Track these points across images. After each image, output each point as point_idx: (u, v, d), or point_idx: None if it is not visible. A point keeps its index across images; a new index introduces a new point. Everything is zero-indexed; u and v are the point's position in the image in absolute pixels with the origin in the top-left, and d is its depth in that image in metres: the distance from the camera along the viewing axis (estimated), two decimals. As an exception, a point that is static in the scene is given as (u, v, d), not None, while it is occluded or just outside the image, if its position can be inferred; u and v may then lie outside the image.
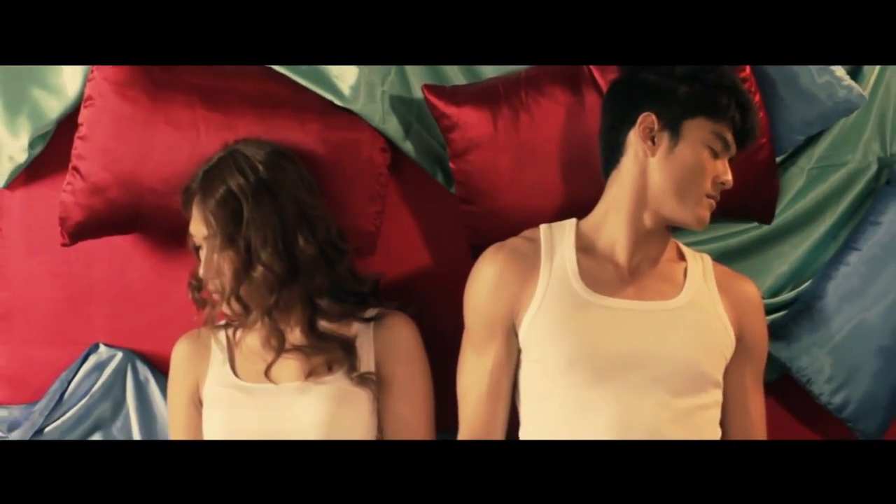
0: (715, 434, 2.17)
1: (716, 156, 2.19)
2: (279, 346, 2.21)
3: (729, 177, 2.20)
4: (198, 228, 2.26)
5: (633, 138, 2.21)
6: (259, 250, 2.18)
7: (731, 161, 2.22)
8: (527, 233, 2.25)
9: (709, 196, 2.19)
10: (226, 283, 2.23)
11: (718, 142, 2.18)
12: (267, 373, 2.20)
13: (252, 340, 2.32)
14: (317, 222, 2.22)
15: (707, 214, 2.20)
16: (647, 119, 2.18)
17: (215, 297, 2.27)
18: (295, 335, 2.23)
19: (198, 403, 2.33)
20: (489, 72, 2.52)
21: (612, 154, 2.21)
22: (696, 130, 2.18)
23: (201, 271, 2.28)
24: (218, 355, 2.33)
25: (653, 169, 2.19)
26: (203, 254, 2.27)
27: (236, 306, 2.23)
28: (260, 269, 2.17)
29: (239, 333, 2.35)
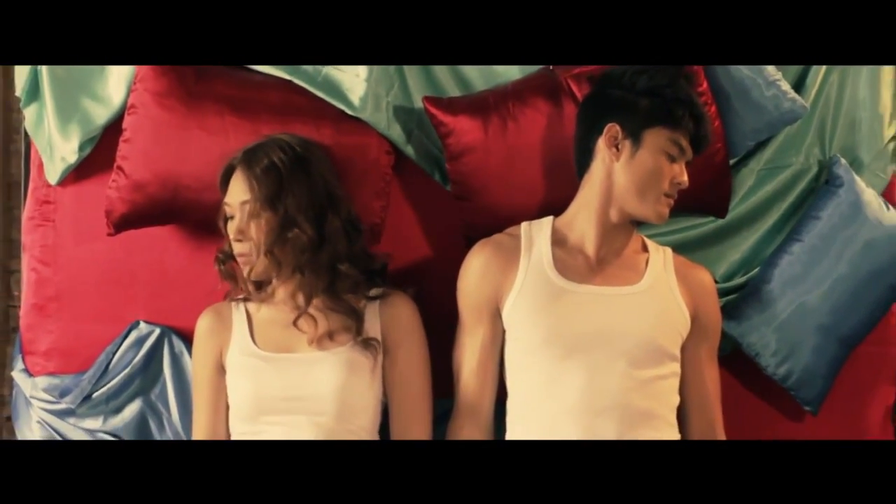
0: (673, 400, 2.32)
1: (673, 160, 2.32)
2: (306, 301, 2.32)
3: (685, 178, 2.33)
4: (236, 195, 2.35)
5: (601, 146, 2.34)
6: (295, 215, 2.30)
7: (688, 164, 2.34)
8: (510, 229, 2.40)
9: (667, 195, 2.32)
10: (260, 241, 2.31)
11: (675, 148, 2.32)
12: (295, 322, 2.31)
13: (268, 313, 2.41)
14: (340, 201, 2.35)
15: (666, 211, 2.34)
16: (612, 129, 2.32)
17: (241, 260, 2.35)
18: (317, 297, 2.35)
19: (221, 370, 2.41)
20: (481, 84, 2.60)
21: (583, 159, 2.36)
22: (655, 138, 2.32)
23: (233, 234, 2.35)
24: (239, 327, 2.41)
25: (617, 172, 2.33)
26: (236, 220, 2.35)
27: (266, 262, 2.31)
28: (295, 231, 2.30)
29: (255, 307, 2.43)
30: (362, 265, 2.37)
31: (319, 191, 2.35)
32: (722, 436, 2.42)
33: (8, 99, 3.26)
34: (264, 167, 2.34)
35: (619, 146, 2.33)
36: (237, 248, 2.36)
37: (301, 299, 2.35)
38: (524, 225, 2.40)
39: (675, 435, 2.32)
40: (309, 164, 2.36)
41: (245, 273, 2.36)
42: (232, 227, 2.37)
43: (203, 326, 2.43)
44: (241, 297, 2.42)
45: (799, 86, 2.63)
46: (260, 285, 2.40)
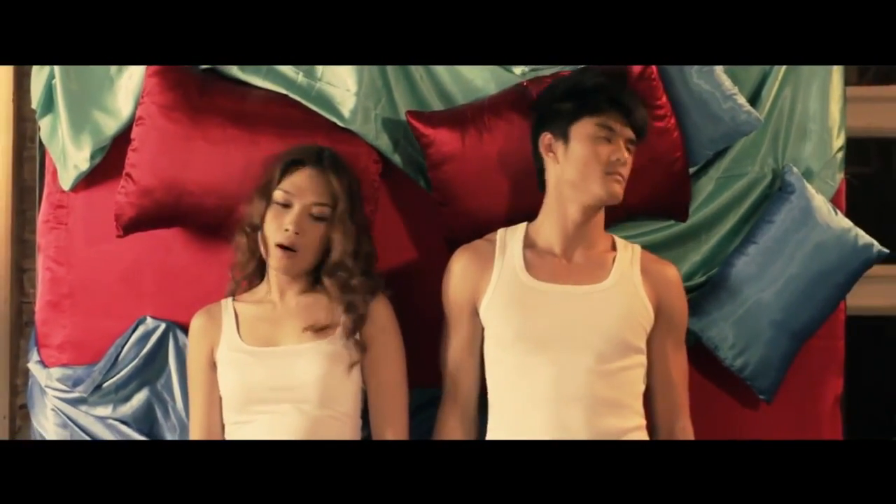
0: (638, 388, 2.43)
1: (607, 141, 2.40)
2: (295, 296, 2.45)
3: (623, 154, 2.40)
4: (308, 193, 2.40)
5: (542, 155, 2.48)
6: (362, 234, 2.45)
7: (633, 145, 2.43)
8: (488, 235, 2.52)
9: (609, 173, 2.39)
10: (314, 243, 2.39)
11: (604, 130, 2.40)
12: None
13: (254, 310, 2.48)
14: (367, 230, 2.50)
15: (615, 187, 2.40)
16: (545, 138, 2.46)
17: (285, 254, 2.37)
18: (307, 294, 2.45)
19: (213, 366, 2.48)
20: (461, 98, 2.67)
21: (539, 173, 2.49)
22: (581, 129, 2.41)
23: (293, 226, 2.38)
24: (228, 325, 2.48)
25: (561, 171, 2.43)
26: (296, 212, 2.39)
27: (311, 262, 2.40)
28: (365, 248, 2.45)
29: (243, 306, 2.49)
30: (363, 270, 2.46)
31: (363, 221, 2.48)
32: (687, 419, 2.51)
33: (21, 109, 3.33)
34: (347, 183, 2.44)
35: (554, 149, 2.44)
36: (289, 238, 2.39)
37: (291, 296, 2.45)
38: (500, 231, 2.52)
39: (640, 421, 2.43)
40: (360, 186, 2.49)
41: (276, 262, 2.41)
42: (291, 218, 2.39)
43: (196, 327, 2.51)
44: (229, 298, 2.50)
45: (754, 99, 2.70)
46: (261, 275, 2.49)
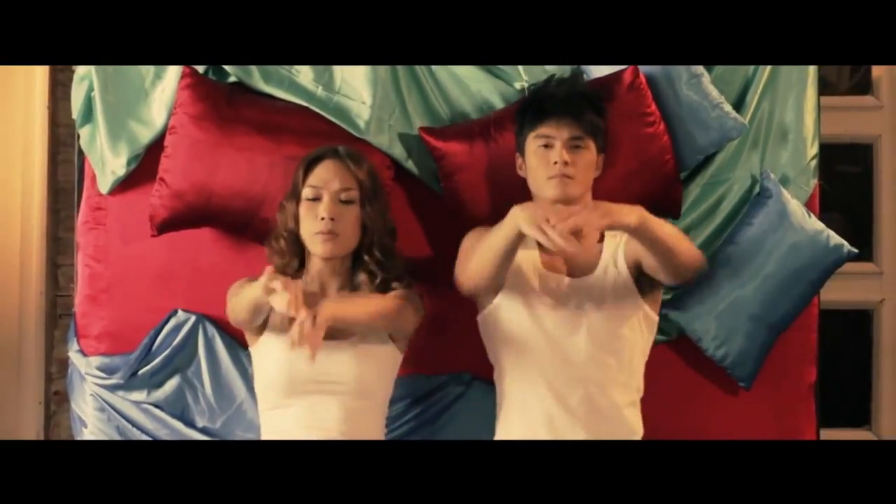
0: (635, 366, 2.49)
1: (547, 147, 2.48)
2: (337, 289, 2.49)
3: (558, 156, 2.46)
4: (333, 183, 2.46)
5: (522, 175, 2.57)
6: (382, 216, 2.51)
7: (584, 139, 2.47)
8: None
9: (551, 177, 2.47)
10: (351, 225, 2.45)
11: (541, 139, 2.49)
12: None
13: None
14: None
15: (561, 187, 2.45)
16: (518, 160, 2.59)
17: (324, 237, 2.43)
18: (346, 289, 2.51)
19: (259, 311, 2.40)
20: (468, 108, 2.76)
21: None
22: (529, 143, 2.53)
23: (328, 213, 2.44)
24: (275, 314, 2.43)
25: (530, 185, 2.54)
26: (326, 202, 2.45)
27: (350, 243, 2.44)
28: (390, 227, 2.51)
29: None
30: (390, 268, 2.54)
31: (378, 198, 2.54)
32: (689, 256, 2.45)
33: (55, 116, 3.47)
34: (366, 168, 2.51)
35: (522, 168, 2.58)
36: (326, 225, 2.45)
37: (331, 292, 2.50)
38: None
39: (635, 397, 2.53)
40: (371, 172, 2.55)
41: (320, 249, 2.46)
42: (324, 207, 2.46)
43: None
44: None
45: (739, 106, 2.79)
46: (300, 265, 2.52)
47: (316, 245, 2.50)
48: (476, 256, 2.44)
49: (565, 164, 2.48)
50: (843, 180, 3.65)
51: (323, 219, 2.48)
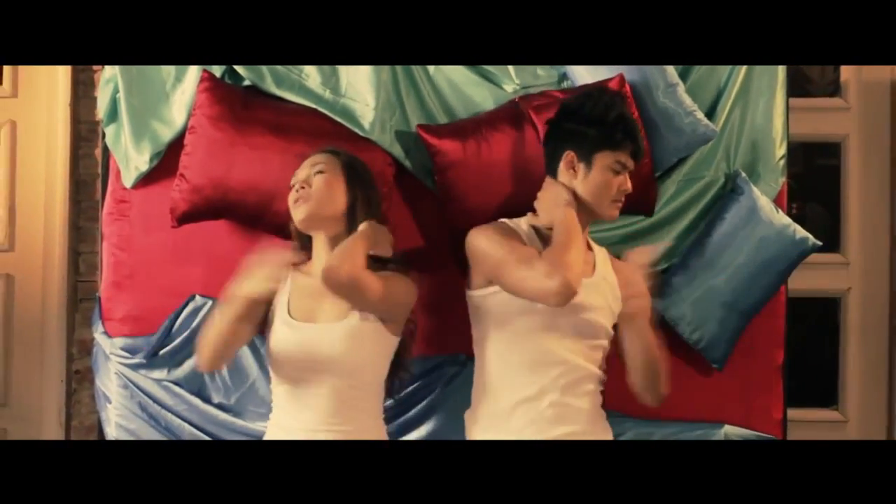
0: (601, 362, 2.58)
1: (617, 173, 2.55)
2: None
3: (628, 185, 2.55)
4: (308, 164, 2.52)
5: (562, 168, 2.57)
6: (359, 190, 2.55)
7: (630, 173, 2.57)
8: (495, 222, 2.56)
9: (615, 200, 2.56)
10: (321, 192, 2.49)
11: (618, 165, 2.54)
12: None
13: (304, 282, 2.52)
14: (372, 199, 2.60)
15: (616, 212, 2.57)
16: (569, 156, 2.56)
17: (298, 203, 2.48)
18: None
19: (259, 304, 2.49)
20: (463, 112, 2.84)
21: (549, 161, 2.61)
22: (602, 160, 2.54)
23: (297, 183, 2.50)
24: (283, 295, 2.53)
25: (577, 187, 2.56)
26: (301, 175, 2.51)
27: (320, 207, 2.48)
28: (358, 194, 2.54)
29: (299, 276, 2.53)
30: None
31: (363, 184, 2.59)
32: (664, 380, 2.60)
33: (77, 112, 3.55)
34: (345, 156, 2.60)
35: (575, 168, 2.56)
36: (295, 195, 2.52)
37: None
38: (505, 220, 2.60)
39: (600, 387, 2.61)
40: (356, 162, 2.62)
41: (294, 214, 2.52)
42: (295, 178, 2.54)
43: (271, 263, 2.47)
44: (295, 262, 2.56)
45: (710, 114, 2.91)
46: (307, 243, 2.58)
47: (295, 214, 2.55)
48: (570, 252, 2.47)
49: (626, 192, 2.58)
50: (821, 174, 3.77)
51: (294, 187, 2.55)
